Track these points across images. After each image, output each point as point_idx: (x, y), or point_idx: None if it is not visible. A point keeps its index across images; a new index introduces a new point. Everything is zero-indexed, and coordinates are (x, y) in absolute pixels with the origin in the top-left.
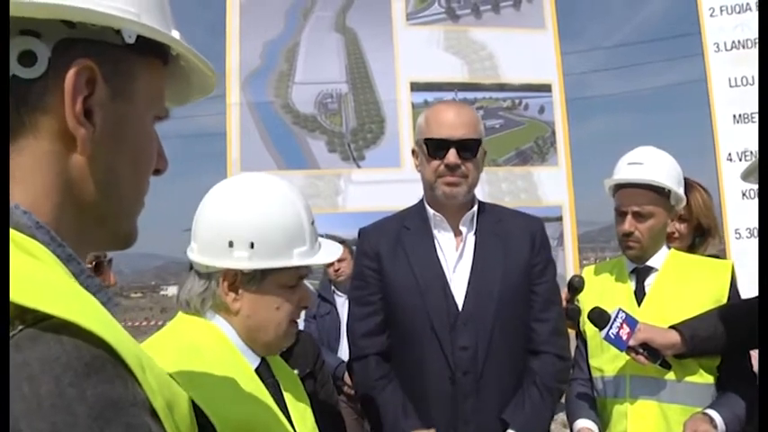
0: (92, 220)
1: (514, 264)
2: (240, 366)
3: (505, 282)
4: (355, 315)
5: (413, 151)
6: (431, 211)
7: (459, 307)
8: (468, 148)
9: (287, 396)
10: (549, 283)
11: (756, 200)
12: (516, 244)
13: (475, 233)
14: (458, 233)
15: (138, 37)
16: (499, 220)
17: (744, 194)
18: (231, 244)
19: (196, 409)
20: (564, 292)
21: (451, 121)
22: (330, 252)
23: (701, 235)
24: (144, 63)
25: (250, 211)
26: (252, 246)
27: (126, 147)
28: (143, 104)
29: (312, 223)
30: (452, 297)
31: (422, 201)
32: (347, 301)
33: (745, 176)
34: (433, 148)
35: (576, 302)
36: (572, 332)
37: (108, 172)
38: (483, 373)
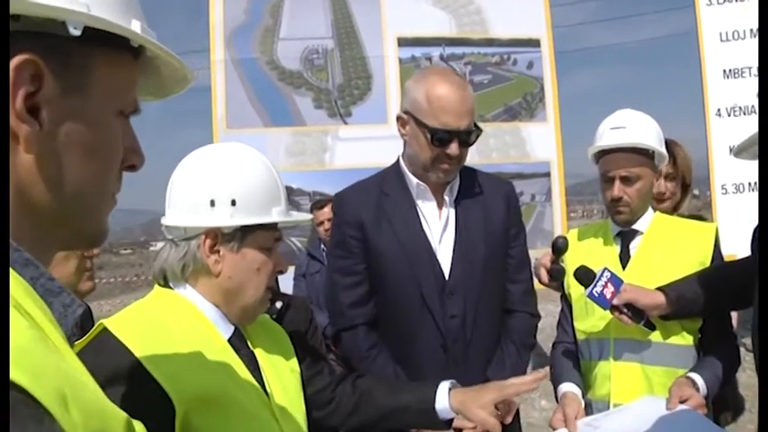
0: (48, 220)
1: (494, 230)
2: (211, 338)
3: (488, 249)
4: (341, 285)
5: (398, 118)
6: (414, 180)
7: (447, 276)
8: (470, 138)
9: (267, 366)
10: (522, 245)
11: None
12: (494, 210)
13: (456, 201)
14: (441, 203)
15: (95, 29)
16: (474, 185)
17: (731, 149)
18: (213, 203)
19: (159, 387)
20: (547, 253)
21: (456, 110)
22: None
23: (683, 191)
24: (102, 55)
25: (231, 170)
26: (233, 203)
27: (81, 143)
28: (102, 99)
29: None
30: (440, 267)
31: (398, 164)
32: None
33: (738, 153)
34: (437, 139)
35: (560, 263)
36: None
37: (60, 170)
38: (471, 339)
